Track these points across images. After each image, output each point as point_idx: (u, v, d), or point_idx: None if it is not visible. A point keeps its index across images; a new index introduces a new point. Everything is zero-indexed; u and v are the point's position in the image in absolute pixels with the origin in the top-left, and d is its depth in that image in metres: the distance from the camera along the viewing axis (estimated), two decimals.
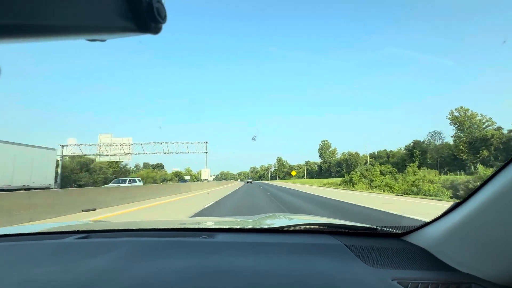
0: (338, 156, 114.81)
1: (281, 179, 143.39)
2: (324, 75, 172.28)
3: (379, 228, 1.22)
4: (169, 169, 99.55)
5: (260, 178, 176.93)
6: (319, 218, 1.74)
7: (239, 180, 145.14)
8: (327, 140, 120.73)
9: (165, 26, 0.36)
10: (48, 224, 2.00)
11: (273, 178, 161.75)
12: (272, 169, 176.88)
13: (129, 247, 1.02)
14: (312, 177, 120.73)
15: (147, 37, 0.37)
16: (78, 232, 1.29)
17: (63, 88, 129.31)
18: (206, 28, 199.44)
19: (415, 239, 1.07)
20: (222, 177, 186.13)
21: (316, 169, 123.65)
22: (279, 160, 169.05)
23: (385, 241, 1.14)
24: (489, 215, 0.73)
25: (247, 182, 63.55)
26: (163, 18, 0.35)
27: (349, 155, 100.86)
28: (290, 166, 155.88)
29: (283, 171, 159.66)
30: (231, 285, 0.75)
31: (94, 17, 0.31)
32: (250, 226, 1.41)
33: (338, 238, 1.15)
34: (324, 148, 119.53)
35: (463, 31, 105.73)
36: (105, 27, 0.32)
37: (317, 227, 1.30)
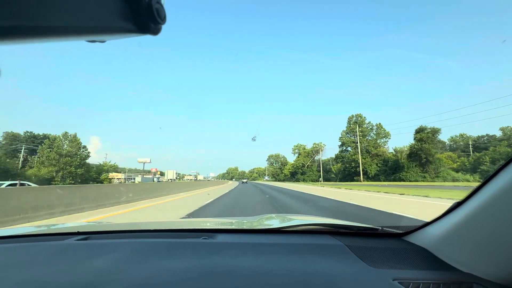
0: None
1: (371, 178, 54.57)
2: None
3: (380, 228, 1.18)
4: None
5: (293, 175, 69.40)
6: (320, 218, 1.70)
7: (233, 179, 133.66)
8: None
9: (164, 27, 0.36)
10: (49, 225, 2.08)
11: (328, 177, 51.34)
12: (323, 156, 64.04)
13: (130, 248, 1.03)
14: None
15: (146, 38, 0.36)
16: (78, 233, 1.30)
17: (66, 86, 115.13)
18: (205, 29, 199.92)
19: (416, 239, 1.03)
20: (230, 175, 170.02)
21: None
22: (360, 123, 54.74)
23: (386, 241, 1.10)
24: (489, 214, 0.71)
25: (242, 182, 58.45)
26: (163, 19, 0.35)
27: None
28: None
29: (372, 156, 42.81)
30: (232, 286, 0.75)
31: (94, 19, 0.31)
32: (250, 227, 1.42)
33: (338, 238, 1.14)
34: None
35: (465, 32, 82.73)
36: (105, 28, 0.32)
37: (318, 227, 1.28)
